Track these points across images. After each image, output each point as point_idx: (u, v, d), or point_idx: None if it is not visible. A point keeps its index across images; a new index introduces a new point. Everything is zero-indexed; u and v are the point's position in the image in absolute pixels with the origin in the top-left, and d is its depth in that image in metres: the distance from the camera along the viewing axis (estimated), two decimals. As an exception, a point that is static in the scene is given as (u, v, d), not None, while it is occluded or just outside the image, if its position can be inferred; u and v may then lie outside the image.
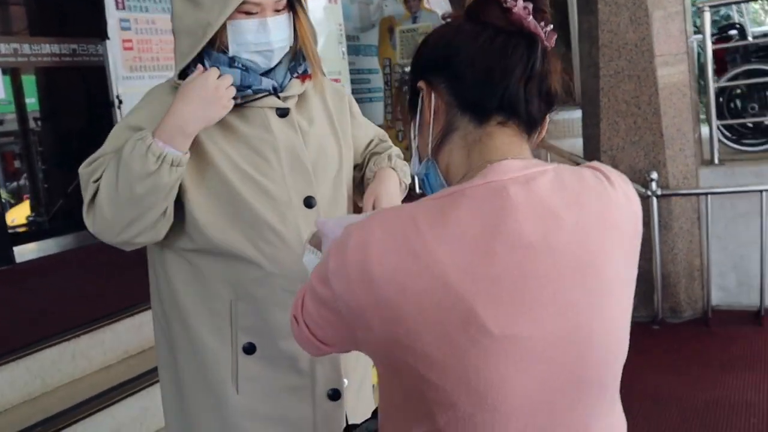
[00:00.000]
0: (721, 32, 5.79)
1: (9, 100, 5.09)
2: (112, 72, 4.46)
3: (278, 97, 1.46)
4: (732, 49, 5.48)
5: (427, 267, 0.79)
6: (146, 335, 2.87)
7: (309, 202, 1.45)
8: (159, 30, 4.78)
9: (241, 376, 1.44)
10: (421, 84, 0.93)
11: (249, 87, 1.41)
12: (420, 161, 0.96)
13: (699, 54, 5.73)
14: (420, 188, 1.01)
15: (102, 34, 4.52)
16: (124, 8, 4.58)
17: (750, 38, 5.71)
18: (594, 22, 4.66)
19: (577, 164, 4.29)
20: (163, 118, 1.34)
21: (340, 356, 1.50)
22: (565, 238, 0.83)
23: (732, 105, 5.44)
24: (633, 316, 0.95)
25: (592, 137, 4.81)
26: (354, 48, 7.71)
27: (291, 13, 1.44)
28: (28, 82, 5.35)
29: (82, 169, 1.40)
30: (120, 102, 4.49)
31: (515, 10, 0.86)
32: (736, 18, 6.01)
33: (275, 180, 1.43)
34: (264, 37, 1.38)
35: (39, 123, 5.56)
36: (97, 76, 4.61)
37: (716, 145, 4.71)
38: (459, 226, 0.81)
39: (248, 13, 1.36)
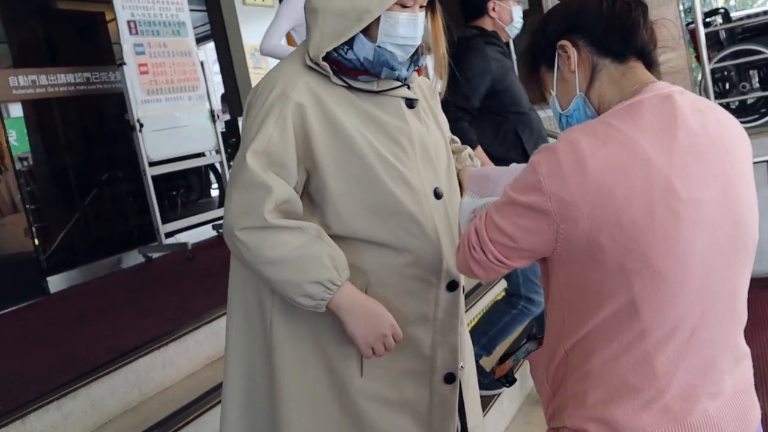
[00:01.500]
0: (706, 17, 6.05)
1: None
2: (131, 96, 4.50)
3: (408, 88, 1.53)
4: (713, 34, 5.75)
5: (632, 151, 1.04)
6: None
7: (437, 193, 1.52)
8: (171, 53, 4.84)
9: (366, 360, 1.48)
10: (563, 43, 1.20)
11: (393, 70, 1.46)
12: (561, 106, 1.24)
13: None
14: (560, 129, 1.25)
15: (117, 60, 4.57)
16: (137, 33, 4.64)
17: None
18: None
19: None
20: (352, 303, 1.41)
21: (458, 341, 1.58)
22: (715, 130, 1.11)
23: (717, 87, 5.70)
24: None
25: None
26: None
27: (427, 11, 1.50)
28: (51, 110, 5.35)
29: (250, 180, 1.38)
30: (141, 125, 4.53)
31: None
32: (722, 3, 6.29)
33: (412, 169, 1.48)
34: (413, 32, 1.44)
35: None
36: (116, 102, 4.66)
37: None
38: (646, 121, 1.08)
39: (403, 6, 1.41)
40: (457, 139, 1.79)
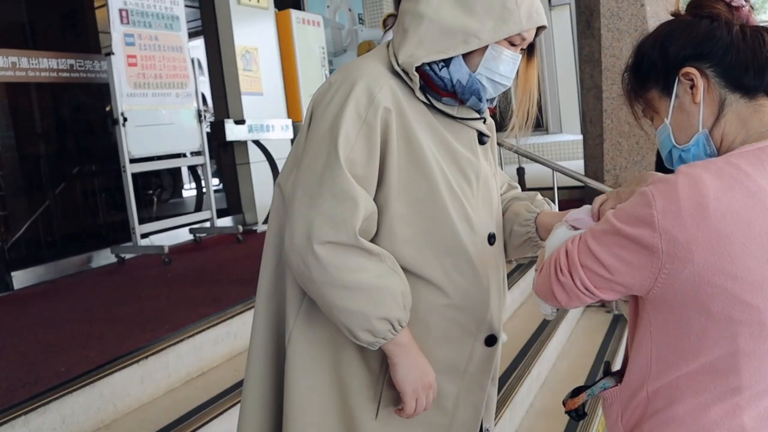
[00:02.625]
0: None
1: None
2: (117, 88, 4.29)
3: (484, 122, 1.42)
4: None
5: (759, 201, 0.96)
6: (207, 356, 2.75)
7: (492, 238, 1.40)
8: (162, 47, 4.65)
9: (383, 403, 1.35)
10: (690, 71, 1.09)
11: (480, 101, 1.34)
12: (676, 139, 1.13)
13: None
14: (670, 163, 1.16)
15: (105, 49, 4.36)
16: (128, 23, 4.44)
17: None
18: (596, 47, 4.81)
19: (582, 183, 4.38)
20: (409, 348, 1.29)
21: (483, 400, 1.46)
22: None
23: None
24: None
25: (595, 157, 4.94)
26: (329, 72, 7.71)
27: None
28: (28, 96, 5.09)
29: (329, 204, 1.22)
30: (125, 120, 4.32)
31: (742, 9, 1.10)
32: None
33: (475, 208, 1.36)
34: (511, 72, 1.33)
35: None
36: (98, 93, 4.44)
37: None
38: None
39: (512, 44, 1.31)
40: (516, 184, 1.67)
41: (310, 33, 6.67)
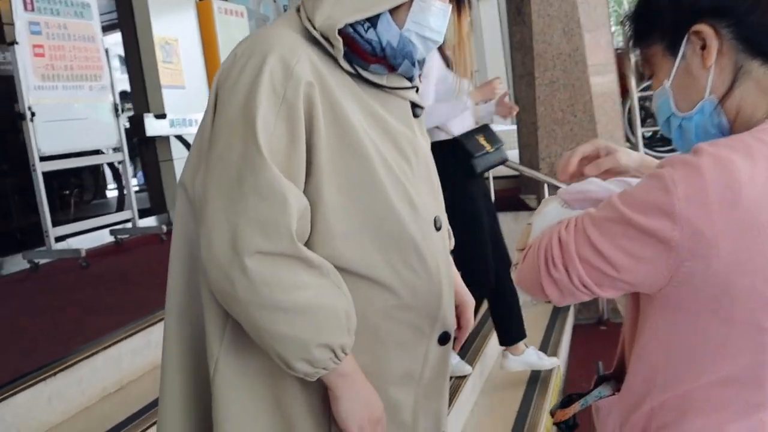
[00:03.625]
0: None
1: None
2: (23, 81, 3.97)
3: (417, 91, 1.25)
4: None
5: None
6: (125, 369, 2.52)
7: (438, 223, 1.24)
8: (71, 36, 4.33)
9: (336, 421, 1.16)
10: (702, 28, 0.92)
11: (413, 66, 1.18)
12: (678, 105, 0.97)
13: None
14: (668, 132, 1.01)
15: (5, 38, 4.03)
16: (33, 10, 4.11)
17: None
18: (528, 33, 4.75)
19: (518, 171, 4.32)
20: (354, 377, 1.12)
21: (443, 406, 1.32)
22: None
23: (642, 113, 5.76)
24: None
25: (529, 145, 4.89)
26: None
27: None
28: None
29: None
30: (33, 114, 4.00)
31: None
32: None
33: (417, 190, 1.19)
34: (441, 25, 1.19)
35: None
36: (4, 87, 4.10)
37: (642, 149, 4.93)
38: None
39: None
40: None
41: (233, 24, 6.40)
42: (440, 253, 1.24)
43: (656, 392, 0.94)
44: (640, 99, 5.59)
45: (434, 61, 2.88)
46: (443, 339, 1.26)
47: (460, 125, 2.93)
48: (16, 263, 4.23)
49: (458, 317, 1.35)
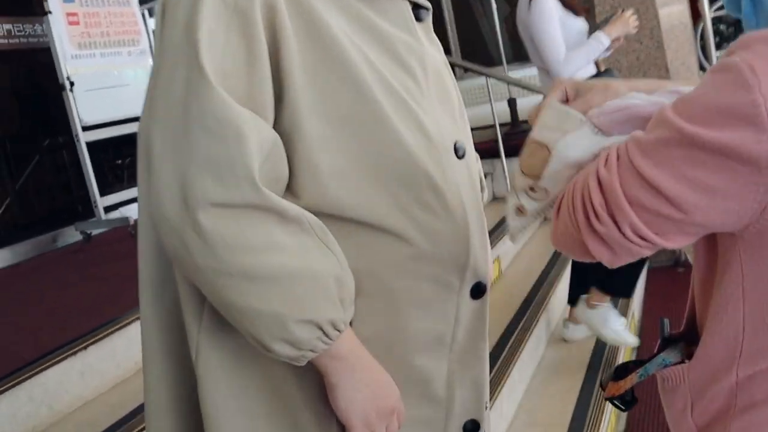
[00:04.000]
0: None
1: None
2: (59, 51, 3.90)
3: None
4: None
5: None
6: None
7: (459, 150, 1.01)
8: (106, 1, 4.23)
9: None
10: None
11: None
12: None
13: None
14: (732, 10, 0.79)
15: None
16: (64, -23, 4.02)
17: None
18: (584, -43, 4.36)
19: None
20: (354, 359, 0.92)
21: (484, 373, 1.10)
22: None
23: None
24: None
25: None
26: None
27: None
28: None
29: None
30: (72, 84, 3.93)
31: None
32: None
33: (427, 110, 0.97)
34: None
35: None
36: (45, 58, 4.04)
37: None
38: None
39: None
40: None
41: None
42: (464, 186, 1.01)
43: (742, 363, 0.73)
44: (714, 21, 5.10)
45: (549, 3, 2.61)
46: (477, 292, 1.04)
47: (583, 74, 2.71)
48: (71, 235, 4.24)
49: None
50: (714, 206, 0.65)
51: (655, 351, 0.87)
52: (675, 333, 0.89)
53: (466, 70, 5.12)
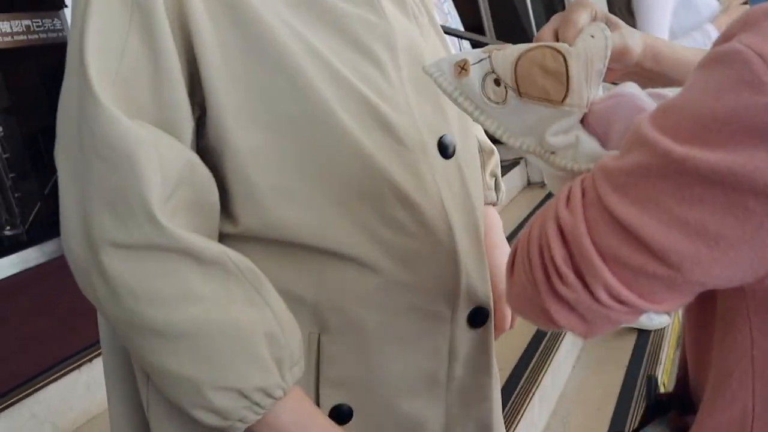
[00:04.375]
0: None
1: None
2: (77, 45, 3.83)
3: None
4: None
5: None
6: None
7: (445, 148, 0.85)
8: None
9: None
10: None
11: None
12: None
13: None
14: None
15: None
16: (79, -31, 3.94)
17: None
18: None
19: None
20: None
21: (491, 413, 0.95)
22: None
23: None
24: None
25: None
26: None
27: None
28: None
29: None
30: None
31: None
32: None
33: (398, 104, 0.81)
34: None
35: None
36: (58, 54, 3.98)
37: None
38: None
39: None
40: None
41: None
42: (452, 194, 0.85)
43: None
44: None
45: None
46: (477, 319, 0.89)
47: None
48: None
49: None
50: (718, 258, 0.48)
51: (640, 419, 0.70)
52: (664, 395, 0.72)
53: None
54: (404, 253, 0.81)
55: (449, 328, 0.87)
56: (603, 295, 0.51)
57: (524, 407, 2.13)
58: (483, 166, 1.04)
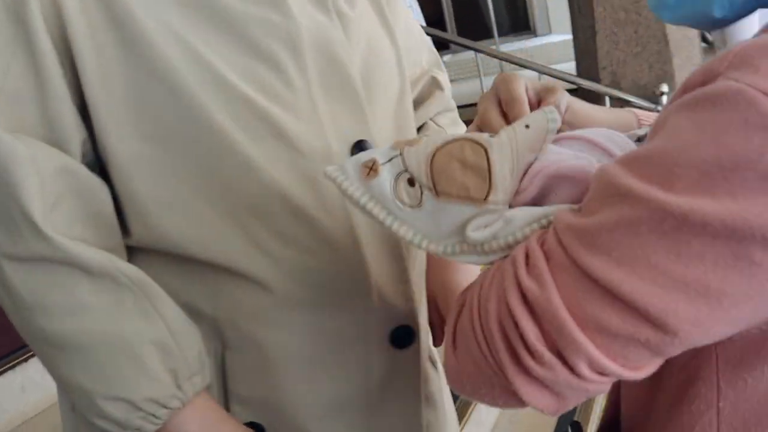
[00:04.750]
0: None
1: None
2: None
3: None
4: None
5: None
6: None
7: (361, 150, 0.80)
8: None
9: None
10: None
11: None
12: None
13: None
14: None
15: None
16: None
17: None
18: None
19: (575, 85, 3.82)
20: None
21: None
22: None
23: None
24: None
25: (588, 54, 4.31)
26: None
27: None
28: None
29: None
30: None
31: None
32: None
33: (298, 111, 0.76)
34: None
35: None
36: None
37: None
38: None
39: None
40: (442, 71, 1.02)
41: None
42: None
43: None
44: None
45: None
46: (400, 338, 0.84)
47: None
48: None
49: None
50: (720, 317, 0.43)
51: None
52: None
53: (448, 44, 4.90)
54: (301, 271, 0.77)
55: (363, 347, 0.83)
56: (584, 370, 0.46)
57: (471, 406, 2.12)
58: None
